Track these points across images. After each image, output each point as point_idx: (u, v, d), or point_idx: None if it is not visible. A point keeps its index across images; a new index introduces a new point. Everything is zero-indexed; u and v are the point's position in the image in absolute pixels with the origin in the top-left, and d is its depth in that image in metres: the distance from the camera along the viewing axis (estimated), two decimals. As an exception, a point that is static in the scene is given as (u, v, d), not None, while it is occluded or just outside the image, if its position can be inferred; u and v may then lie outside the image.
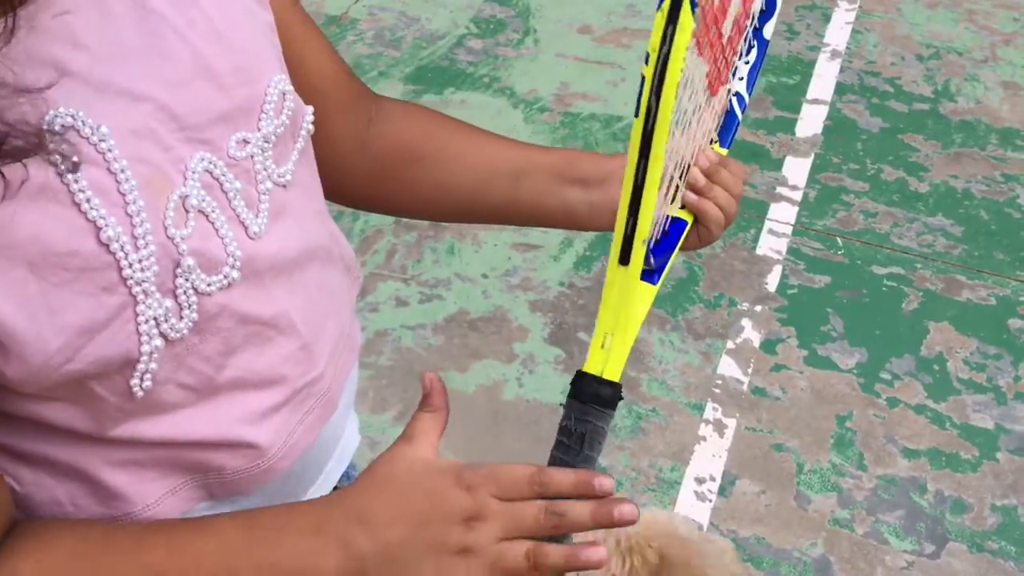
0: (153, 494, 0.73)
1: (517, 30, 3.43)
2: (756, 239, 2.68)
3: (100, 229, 0.62)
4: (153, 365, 0.67)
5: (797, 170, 2.90)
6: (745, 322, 2.47)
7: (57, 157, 0.60)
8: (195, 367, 0.70)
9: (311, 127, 0.79)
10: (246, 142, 0.72)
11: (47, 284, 0.60)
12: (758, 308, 2.50)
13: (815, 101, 3.13)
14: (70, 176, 0.60)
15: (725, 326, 2.45)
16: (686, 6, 0.65)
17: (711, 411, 2.25)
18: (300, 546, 0.66)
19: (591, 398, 0.74)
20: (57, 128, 0.60)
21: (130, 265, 0.63)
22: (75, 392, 0.66)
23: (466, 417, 2.24)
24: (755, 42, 0.98)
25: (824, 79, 3.22)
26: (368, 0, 3.58)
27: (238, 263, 0.70)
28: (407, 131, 0.95)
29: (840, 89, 3.17)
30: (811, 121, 3.06)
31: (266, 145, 0.73)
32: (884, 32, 3.42)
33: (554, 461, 0.72)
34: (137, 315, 0.65)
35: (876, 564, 1.99)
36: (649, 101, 0.69)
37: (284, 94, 0.75)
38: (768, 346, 2.40)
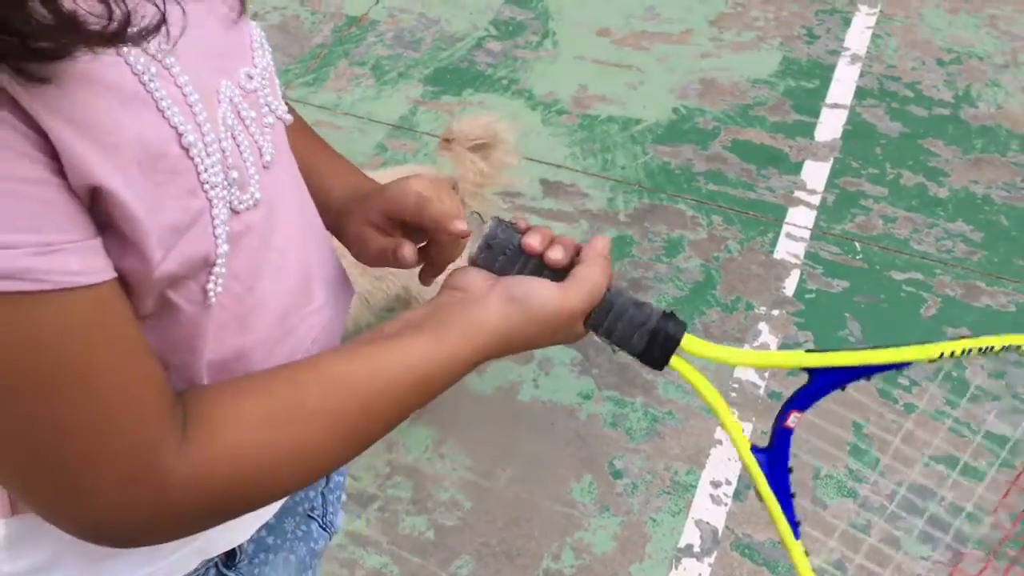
0: None
1: (536, 32, 3.44)
2: (774, 243, 2.68)
3: (181, 135, 0.67)
4: (223, 269, 0.72)
5: (816, 174, 2.89)
6: (762, 326, 2.46)
7: (140, 67, 0.65)
8: (232, 287, 0.75)
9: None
10: (250, 76, 0.78)
11: (148, 181, 0.65)
12: (775, 312, 2.50)
13: (835, 105, 3.12)
14: (152, 84, 0.65)
15: (742, 330, 2.45)
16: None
17: (727, 415, 2.24)
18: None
19: (668, 335, 0.84)
20: (128, 45, 0.64)
21: (205, 170, 0.69)
22: (158, 305, 0.70)
23: (482, 418, 2.25)
24: None
25: (844, 83, 3.21)
26: (388, 1, 3.59)
27: (259, 185, 0.76)
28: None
29: (860, 94, 3.16)
30: (830, 125, 3.05)
31: (263, 81, 0.79)
32: (905, 37, 3.40)
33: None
34: (213, 218, 0.70)
35: (893, 570, 1.99)
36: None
37: (262, 37, 0.82)
38: (785, 350, 2.39)
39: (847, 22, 3.46)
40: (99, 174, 0.61)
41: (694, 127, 3.05)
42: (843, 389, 0.87)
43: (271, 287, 0.79)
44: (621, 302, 0.83)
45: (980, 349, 0.87)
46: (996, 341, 0.88)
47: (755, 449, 0.90)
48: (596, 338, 0.85)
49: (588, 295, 0.81)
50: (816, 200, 2.80)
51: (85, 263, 0.61)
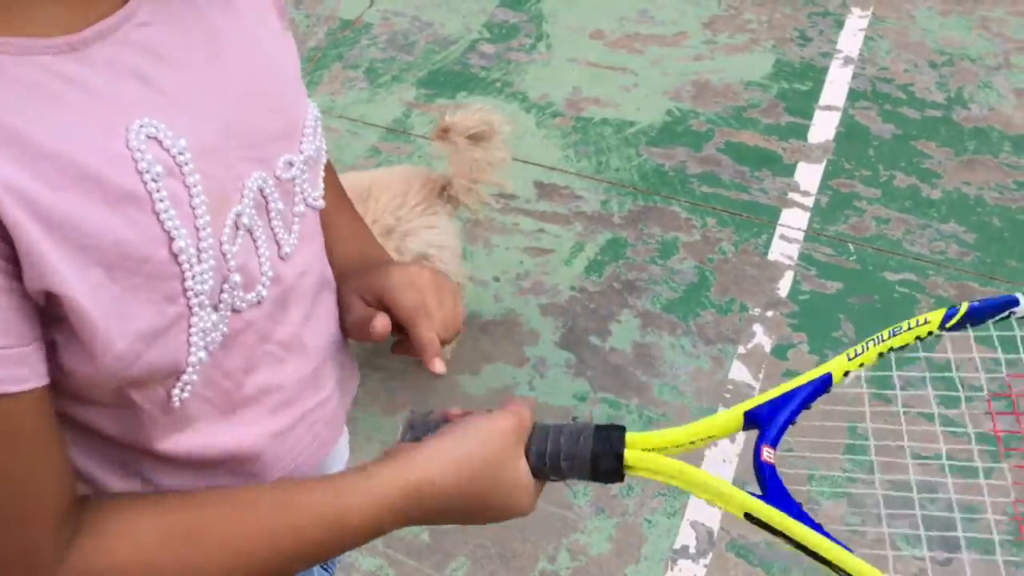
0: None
1: (530, 35, 3.44)
2: (768, 245, 2.68)
3: (173, 240, 0.63)
4: (195, 376, 0.69)
5: (809, 176, 2.90)
6: (756, 327, 2.46)
7: (145, 164, 0.61)
8: (219, 382, 0.72)
9: (326, 158, 0.82)
10: (291, 164, 0.74)
11: (119, 288, 0.62)
12: (769, 313, 2.50)
13: (828, 107, 3.13)
14: (153, 184, 0.62)
15: (736, 331, 2.45)
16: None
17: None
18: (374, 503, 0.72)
19: (609, 462, 0.79)
20: (143, 139, 0.62)
21: (192, 277, 0.65)
22: (114, 399, 0.67)
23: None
24: None
25: (837, 85, 3.22)
26: (382, 4, 3.60)
27: (269, 282, 0.73)
28: None
29: (853, 95, 3.17)
30: (823, 127, 3.06)
31: (304, 168, 0.76)
32: (897, 39, 3.41)
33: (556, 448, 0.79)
34: (190, 326, 0.66)
35: (887, 571, 1.99)
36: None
37: (317, 120, 0.78)
38: (779, 352, 2.40)
39: (840, 24, 3.48)
40: (57, 280, 0.58)
41: (688, 129, 3.06)
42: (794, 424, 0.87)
43: (266, 381, 0.76)
44: (553, 430, 0.80)
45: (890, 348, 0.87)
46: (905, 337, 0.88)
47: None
48: (548, 477, 0.81)
49: (515, 415, 0.78)
50: (809, 202, 2.81)
51: (6, 372, 0.59)
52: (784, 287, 2.57)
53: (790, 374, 2.36)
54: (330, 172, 0.89)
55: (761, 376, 2.34)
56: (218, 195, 0.67)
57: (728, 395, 2.29)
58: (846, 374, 0.89)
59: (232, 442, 0.75)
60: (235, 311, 0.71)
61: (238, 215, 0.69)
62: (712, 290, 2.57)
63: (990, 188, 2.85)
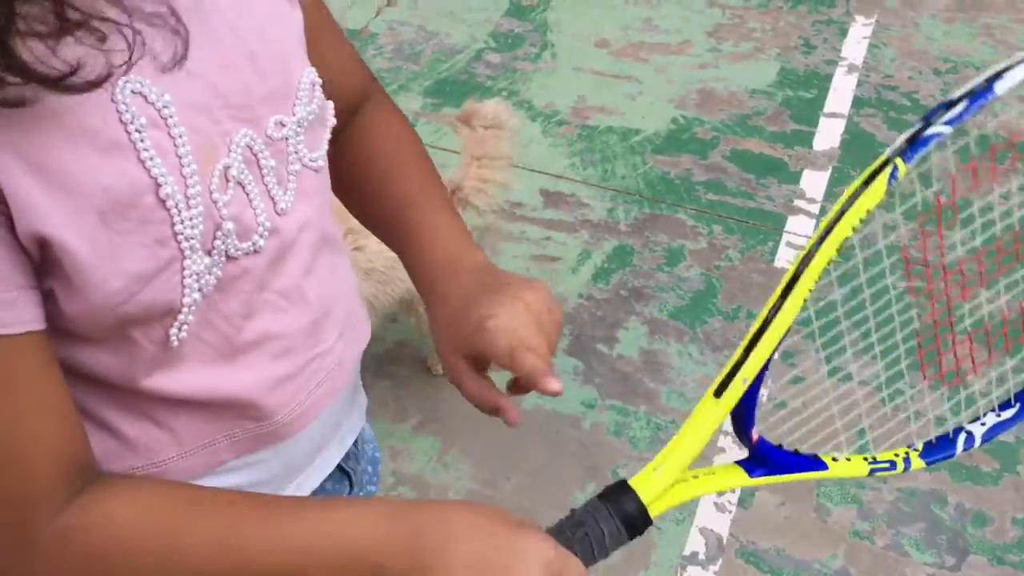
0: (177, 450, 0.78)
1: (535, 44, 3.46)
2: (774, 252, 2.69)
3: (160, 186, 0.67)
4: (191, 317, 0.72)
5: (815, 183, 2.91)
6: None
7: (129, 116, 0.65)
8: (218, 326, 0.76)
9: (334, 120, 0.85)
10: (282, 124, 0.78)
11: (112, 232, 0.65)
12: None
13: (832, 115, 3.14)
14: (137, 135, 0.66)
15: (743, 338, 2.46)
16: (883, 175, 0.75)
17: (730, 422, 2.25)
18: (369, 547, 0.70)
19: (630, 521, 0.76)
20: (128, 93, 0.66)
21: (182, 222, 0.69)
22: (117, 338, 0.71)
23: (486, 428, 2.25)
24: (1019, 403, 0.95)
25: (841, 93, 3.23)
26: (388, 15, 3.61)
27: (266, 233, 0.76)
28: (367, 147, 0.98)
29: (857, 103, 3.18)
30: (829, 134, 3.07)
31: (299, 129, 0.79)
32: (901, 46, 3.43)
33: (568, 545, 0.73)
34: (184, 269, 0.70)
35: (896, 576, 1.99)
36: (811, 247, 0.75)
37: (314, 84, 0.81)
38: (787, 358, 2.40)
39: (844, 32, 3.49)
40: (48, 224, 0.62)
41: (693, 137, 3.07)
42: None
43: (266, 328, 0.79)
44: (568, 527, 0.76)
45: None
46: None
47: (750, 468, 0.87)
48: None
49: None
50: (815, 209, 2.81)
51: None
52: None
53: (797, 381, 2.37)
54: (421, 158, 0.97)
55: (769, 383, 2.34)
56: (205, 147, 0.71)
57: (919, 444, 2.29)
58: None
59: (235, 386, 0.78)
60: (231, 258, 0.74)
61: (226, 167, 0.73)
62: (719, 297, 2.57)
63: (996, 194, 2.86)
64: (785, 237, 2.73)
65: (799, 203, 2.84)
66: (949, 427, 0.98)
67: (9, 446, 0.65)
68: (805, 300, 0.83)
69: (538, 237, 2.75)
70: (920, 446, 0.97)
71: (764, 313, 0.81)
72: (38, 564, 0.67)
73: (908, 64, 3.35)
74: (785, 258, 2.67)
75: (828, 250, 0.80)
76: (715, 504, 2.12)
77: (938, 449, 0.97)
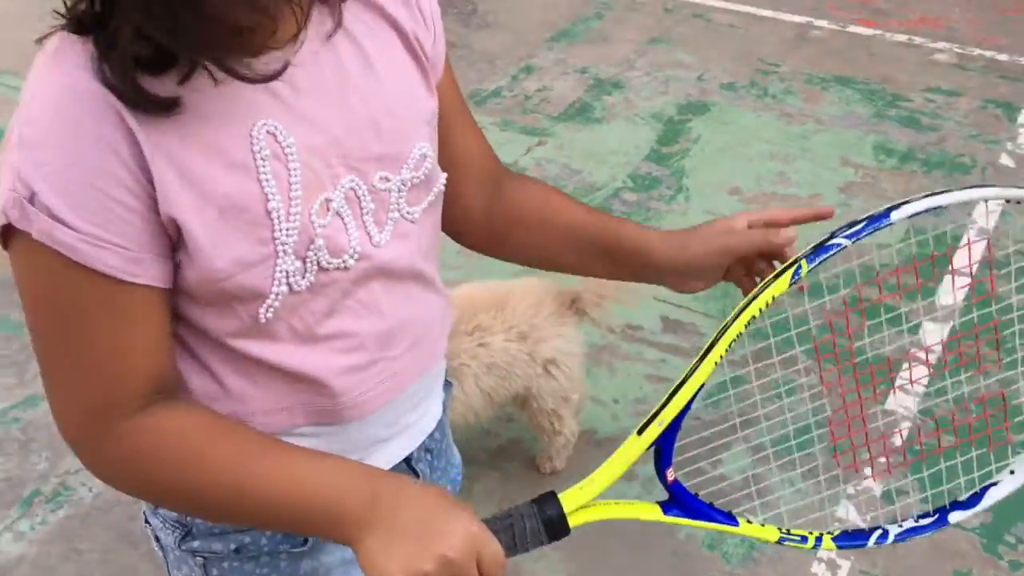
0: (263, 405, 0.98)
1: (670, 187, 3.68)
2: (886, 397, 2.73)
3: (268, 200, 0.88)
4: (276, 304, 0.92)
5: (933, 335, 2.95)
6: (867, 470, 2.49)
7: (259, 147, 0.87)
8: (304, 316, 0.95)
9: (442, 187, 1.05)
10: (387, 179, 0.98)
11: (226, 226, 0.87)
12: (881, 459, 2.53)
13: (958, 272, 3.19)
14: (261, 161, 0.87)
15: (847, 472, 2.49)
16: (789, 272, 1.02)
17: (825, 550, 2.27)
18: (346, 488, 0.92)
19: (551, 523, 0.94)
20: (264, 132, 0.87)
21: (281, 230, 0.89)
22: (222, 305, 0.92)
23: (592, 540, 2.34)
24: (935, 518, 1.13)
25: (969, 254, 3.28)
26: (537, 152, 3.93)
27: (356, 254, 0.95)
28: (521, 204, 1.19)
29: (985, 265, 3.23)
30: (952, 291, 3.12)
31: (403, 187, 0.99)
32: (1035, 215, 3.47)
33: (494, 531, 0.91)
34: (276, 265, 0.90)
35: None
36: (727, 322, 0.96)
37: (424, 156, 1.01)
38: (888, 496, 2.41)
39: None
40: (179, 210, 0.85)
41: (816, 283, 3.17)
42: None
43: (343, 327, 0.98)
44: (501, 519, 0.94)
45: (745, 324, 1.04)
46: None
47: (666, 508, 1.04)
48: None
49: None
50: (933, 359, 2.85)
51: (122, 266, 0.84)
52: (898, 440, 2.60)
53: (891, 518, 2.38)
54: (535, 187, 1.20)
55: (868, 517, 2.36)
56: (313, 181, 0.91)
57: (836, 528, 2.31)
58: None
59: (310, 365, 0.97)
60: (322, 268, 0.93)
61: (328, 199, 0.92)
62: (826, 432, 2.62)
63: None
64: (899, 381, 2.77)
65: (915, 352, 2.88)
66: (867, 524, 1.10)
67: (114, 362, 0.88)
68: (717, 364, 1.00)
69: (654, 358, 2.88)
70: (836, 531, 1.09)
71: (685, 372, 0.98)
72: (109, 444, 0.90)
73: (1040, 232, 3.38)
74: (898, 403, 2.70)
75: (738, 326, 1.00)
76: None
77: (853, 538, 1.10)
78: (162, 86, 0.81)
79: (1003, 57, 4.40)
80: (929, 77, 4.25)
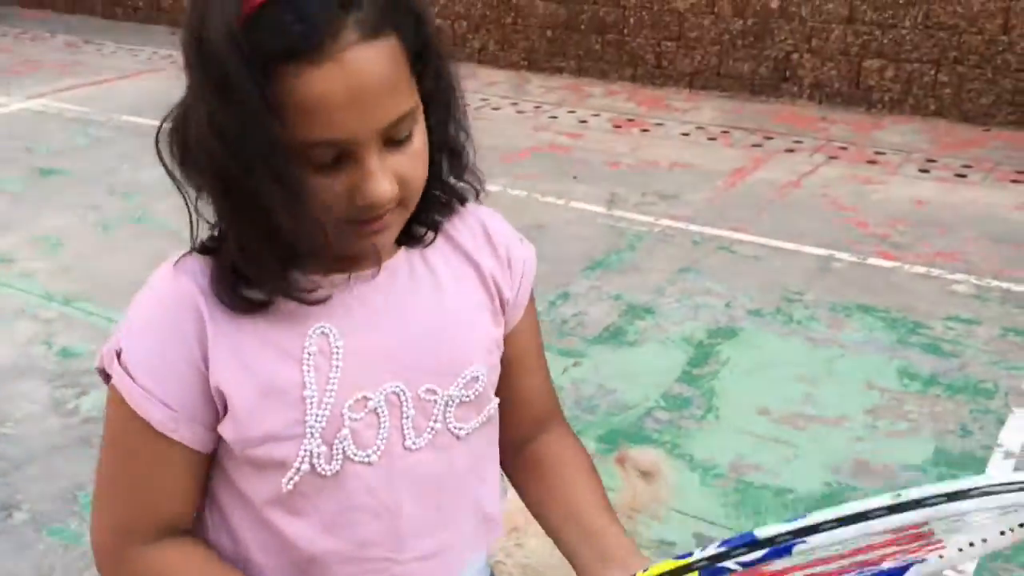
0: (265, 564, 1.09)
1: (701, 407, 3.82)
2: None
3: (305, 387, 1.02)
4: (297, 478, 1.03)
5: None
6: None
7: (308, 343, 1.02)
8: (323, 501, 1.04)
9: (493, 412, 1.13)
10: (434, 392, 1.07)
11: (263, 402, 1.01)
12: None
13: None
14: (307, 355, 1.02)
15: None
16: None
17: None
18: None
19: None
20: (318, 332, 1.02)
21: (312, 416, 1.02)
22: (251, 467, 1.04)
23: None
24: None
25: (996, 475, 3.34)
26: (573, 372, 4.11)
27: (380, 452, 1.05)
28: (549, 457, 1.23)
29: (1012, 486, 3.28)
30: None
31: (450, 402, 1.08)
32: (1060, 439, 3.54)
33: None
34: (301, 445, 1.02)
35: None
36: None
37: (476, 378, 1.10)
38: None
39: (1001, 422, 3.65)
40: (226, 383, 1.00)
41: (844, 500, 3.22)
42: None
43: (355, 516, 1.04)
44: None
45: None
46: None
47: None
48: None
49: None
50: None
51: (162, 421, 1.01)
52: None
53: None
54: (568, 455, 1.21)
55: None
56: (353, 379, 1.03)
57: None
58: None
59: (320, 548, 1.05)
60: (348, 458, 1.04)
61: (366, 398, 1.04)
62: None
63: None
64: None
65: (949, 574, 2.89)
66: None
67: (141, 495, 1.04)
68: None
69: (686, 574, 2.92)
70: None
71: None
72: (120, 564, 1.05)
73: (1067, 455, 3.44)
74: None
75: None
76: None
77: None
78: (252, 292, 1.02)
79: (1020, 288, 4.60)
80: (948, 307, 4.45)
